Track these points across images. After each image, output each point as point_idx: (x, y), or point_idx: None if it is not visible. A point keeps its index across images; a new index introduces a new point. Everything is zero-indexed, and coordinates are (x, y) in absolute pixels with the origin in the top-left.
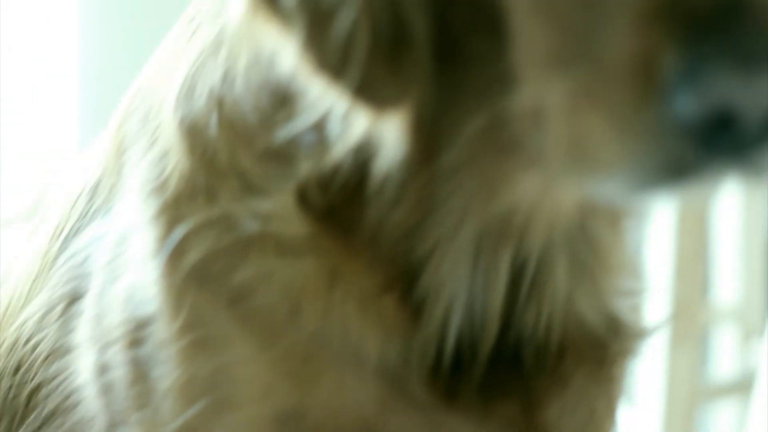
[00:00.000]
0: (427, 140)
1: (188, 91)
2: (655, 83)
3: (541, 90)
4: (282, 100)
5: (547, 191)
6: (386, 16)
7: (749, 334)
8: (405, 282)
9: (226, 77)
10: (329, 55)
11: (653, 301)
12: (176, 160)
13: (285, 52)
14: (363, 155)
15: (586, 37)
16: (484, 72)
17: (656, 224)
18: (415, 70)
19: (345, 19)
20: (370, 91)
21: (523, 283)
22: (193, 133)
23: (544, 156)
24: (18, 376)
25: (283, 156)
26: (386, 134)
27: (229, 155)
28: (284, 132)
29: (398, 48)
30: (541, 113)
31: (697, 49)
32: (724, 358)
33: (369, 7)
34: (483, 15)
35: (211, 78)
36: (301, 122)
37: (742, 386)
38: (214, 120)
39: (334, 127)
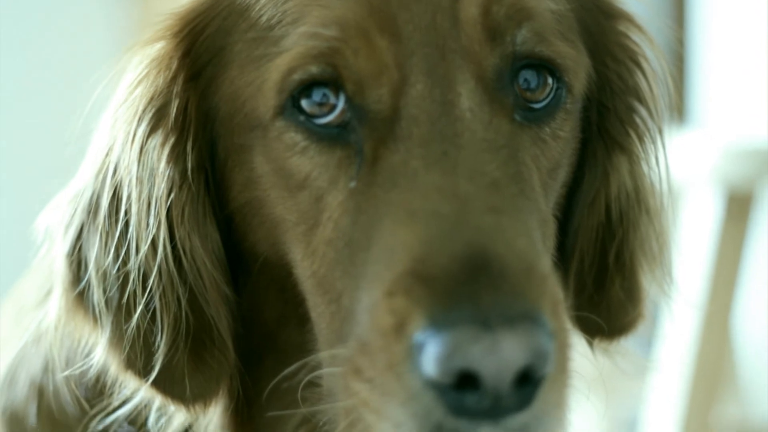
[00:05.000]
0: None
1: (11, 380)
2: (404, 350)
3: (330, 367)
4: (99, 391)
5: None
6: (187, 313)
7: None
8: None
9: (47, 367)
10: (132, 352)
11: None
12: None
13: (98, 348)
14: None
15: (352, 315)
16: (296, 359)
17: None
18: (220, 365)
19: (144, 316)
20: (175, 386)
21: None
22: (14, 422)
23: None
24: None
25: None
26: (207, 430)
27: None
28: (100, 424)
29: (201, 345)
30: (333, 391)
31: (440, 315)
32: None
33: (168, 305)
34: (293, 314)
35: (33, 367)
36: (117, 414)
37: None
38: (33, 410)
39: (153, 420)
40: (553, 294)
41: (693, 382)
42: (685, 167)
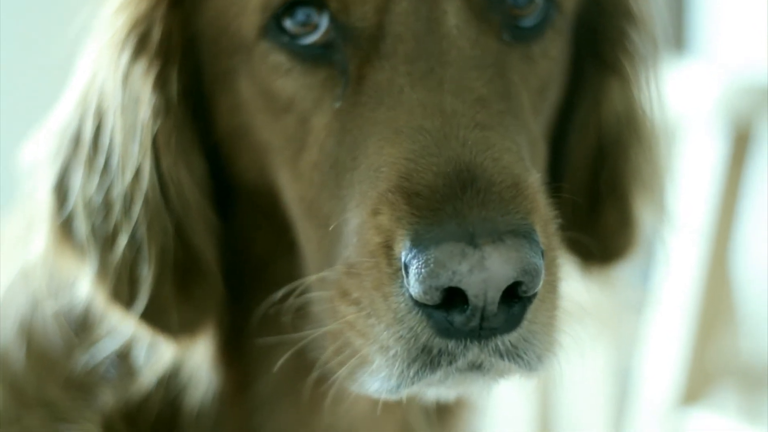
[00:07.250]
0: (238, 369)
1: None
2: (391, 269)
3: (318, 291)
4: (87, 327)
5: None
6: (173, 243)
7: None
8: None
9: (35, 305)
10: (119, 284)
11: None
12: None
13: (83, 281)
14: (175, 387)
15: (340, 238)
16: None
17: None
18: (208, 296)
19: (130, 247)
20: (163, 318)
21: None
22: (3, 364)
23: (327, 364)
24: None
25: (86, 385)
26: (196, 364)
27: (37, 386)
28: (87, 360)
29: (189, 275)
30: (321, 316)
31: (425, 232)
32: None
33: (154, 235)
34: (282, 242)
35: (21, 306)
36: (103, 350)
37: None
38: (23, 350)
39: (140, 355)
40: (543, 211)
41: (692, 319)
42: (686, 100)
